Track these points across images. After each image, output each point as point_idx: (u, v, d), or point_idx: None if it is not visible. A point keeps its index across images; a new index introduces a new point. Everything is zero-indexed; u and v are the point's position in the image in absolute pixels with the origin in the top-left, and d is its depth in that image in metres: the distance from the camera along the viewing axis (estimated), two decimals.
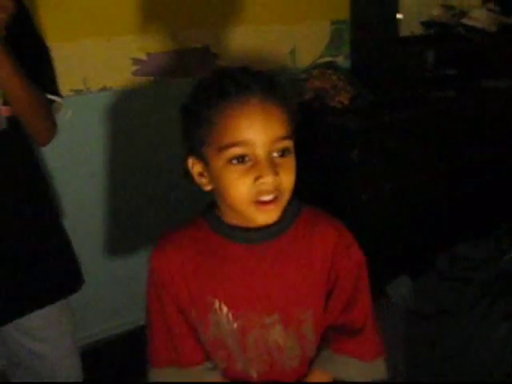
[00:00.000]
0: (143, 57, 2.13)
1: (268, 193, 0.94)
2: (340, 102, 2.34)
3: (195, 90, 0.99)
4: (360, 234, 2.25)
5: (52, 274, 1.37)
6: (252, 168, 0.94)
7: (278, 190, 0.95)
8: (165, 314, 1.07)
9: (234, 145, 0.93)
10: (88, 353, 1.94)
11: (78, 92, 2.04)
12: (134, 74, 2.13)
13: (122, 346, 2.20)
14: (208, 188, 1.02)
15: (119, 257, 2.26)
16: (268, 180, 0.93)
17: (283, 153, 0.96)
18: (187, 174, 1.04)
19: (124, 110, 2.14)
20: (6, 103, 1.24)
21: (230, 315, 1.05)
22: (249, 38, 2.32)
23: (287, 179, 0.97)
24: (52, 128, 1.35)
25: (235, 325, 1.06)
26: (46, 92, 1.32)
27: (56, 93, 1.35)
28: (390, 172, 2.32)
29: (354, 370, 1.09)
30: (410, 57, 2.50)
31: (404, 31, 2.55)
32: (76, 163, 2.09)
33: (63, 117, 1.43)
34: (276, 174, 0.94)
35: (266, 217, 0.97)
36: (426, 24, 2.60)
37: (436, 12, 2.63)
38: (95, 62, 2.06)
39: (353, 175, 2.28)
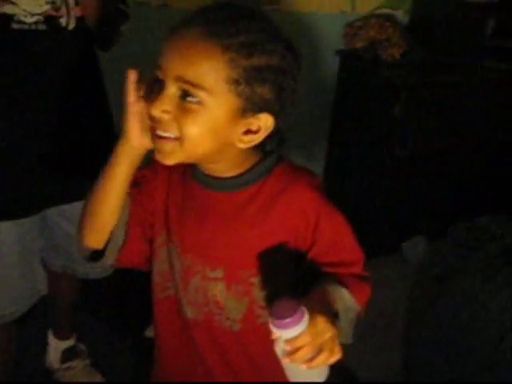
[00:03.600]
0: None
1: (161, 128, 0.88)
2: (392, 55, 2.35)
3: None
4: (388, 189, 2.37)
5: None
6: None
7: (179, 132, 0.87)
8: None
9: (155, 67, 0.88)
10: None
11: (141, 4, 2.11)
12: None
13: None
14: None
15: None
16: (152, 112, 0.86)
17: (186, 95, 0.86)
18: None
19: None
20: (77, 3, 1.33)
21: (179, 253, 1.01)
22: None
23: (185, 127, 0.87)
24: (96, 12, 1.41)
25: (180, 265, 1.01)
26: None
27: (124, 4, 1.45)
28: (429, 133, 2.35)
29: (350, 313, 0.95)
30: (470, 22, 2.47)
31: None
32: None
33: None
34: (165, 110, 0.86)
35: (160, 156, 0.90)
36: None
37: None
38: None
39: (392, 130, 2.31)
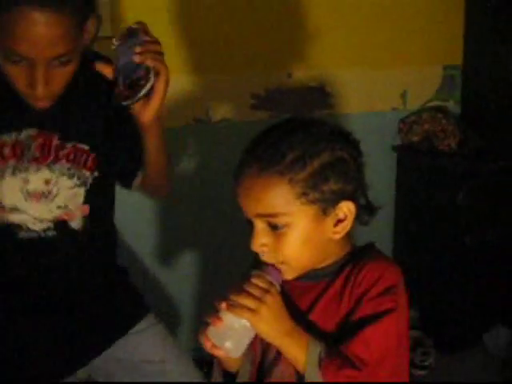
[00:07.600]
0: (262, 92, 2.28)
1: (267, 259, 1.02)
2: (448, 145, 2.38)
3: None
4: (460, 280, 2.31)
5: (120, 311, 1.42)
6: None
7: (281, 257, 0.99)
8: None
9: None
10: None
11: (200, 121, 2.22)
12: (252, 107, 2.28)
13: None
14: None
15: None
16: (254, 249, 1.00)
17: None
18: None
19: (241, 142, 2.27)
20: (85, 202, 1.27)
21: None
22: (362, 80, 2.42)
23: None
24: (170, 186, 1.44)
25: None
26: None
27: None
28: (495, 218, 2.33)
29: None
30: None
31: None
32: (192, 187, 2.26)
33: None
34: (262, 244, 0.99)
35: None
36: None
37: None
38: (218, 95, 2.23)
39: (457, 219, 2.31)
